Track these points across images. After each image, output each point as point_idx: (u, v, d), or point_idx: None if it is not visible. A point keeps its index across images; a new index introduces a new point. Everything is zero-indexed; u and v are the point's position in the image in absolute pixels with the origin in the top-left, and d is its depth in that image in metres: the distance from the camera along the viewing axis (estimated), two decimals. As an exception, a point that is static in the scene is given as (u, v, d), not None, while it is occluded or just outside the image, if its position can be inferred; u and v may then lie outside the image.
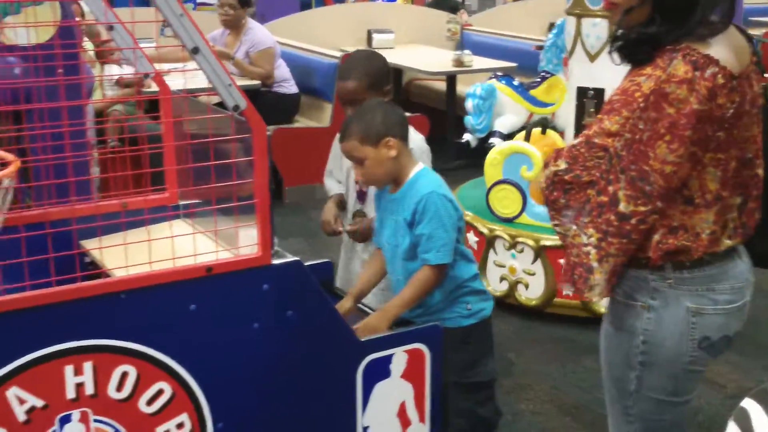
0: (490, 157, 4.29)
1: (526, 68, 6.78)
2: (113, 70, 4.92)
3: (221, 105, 2.08)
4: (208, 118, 2.10)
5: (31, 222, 2.23)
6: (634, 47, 1.92)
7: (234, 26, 6.02)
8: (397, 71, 7.06)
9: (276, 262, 2.15)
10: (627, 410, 2.14)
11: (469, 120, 4.60)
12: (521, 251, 4.13)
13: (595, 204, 1.90)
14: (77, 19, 3.68)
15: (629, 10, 1.92)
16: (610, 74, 4.13)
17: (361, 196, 2.90)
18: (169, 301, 2.03)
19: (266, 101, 5.61)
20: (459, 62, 6.40)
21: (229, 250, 2.17)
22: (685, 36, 1.84)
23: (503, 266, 4.20)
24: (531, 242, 4.10)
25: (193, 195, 2.55)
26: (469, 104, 4.60)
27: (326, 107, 6.09)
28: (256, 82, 5.80)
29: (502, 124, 4.56)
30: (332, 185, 3.04)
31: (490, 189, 4.28)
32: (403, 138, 2.50)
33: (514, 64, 6.68)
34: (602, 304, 4.04)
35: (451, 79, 6.59)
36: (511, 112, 4.63)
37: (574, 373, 3.77)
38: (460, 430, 2.63)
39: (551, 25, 8.21)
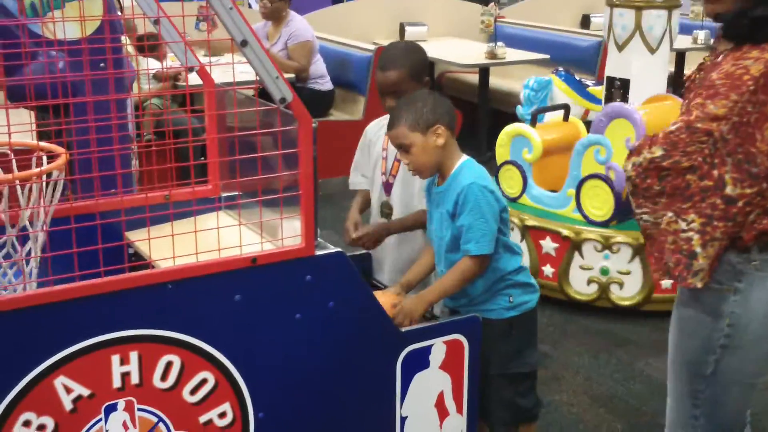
0: (500, 138, 4.43)
1: (559, 60, 6.75)
2: (150, 64, 4.96)
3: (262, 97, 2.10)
4: (255, 110, 2.12)
5: (79, 213, 2.26)
6: (748, 29, 1.93)
7: (274, 18, 6.01)
8: (430, 64, 7.06)
9: (319, 253, 2.17)
10: (696, 394, 2.17)
11: (519, 109, 4.76)
12: (617, 251, 4.10)
13: (697, 189, 1.94)
14: (118, 13, 3.71)
15: None
16: (637, 63, 4.23)
17: (387, 188, 2.90)
18: (214, 291, 2.06)
19: (300, 97, 5.59)
20: (492, 54, 6.38)
21: (272, 241, 2.19)
22: None
23: (591, 268, 4.15)
24: (631, 240, 4.07)
25: (235, 187, 2.58)
26: (522, 95, 4.77)
27: (359, 100, 6.10)
28: (291, 75, 5.79)
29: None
30: (357, 180, 3.04)
31: (498, 168, 4.40)
32: (451, 128, 2.51)
33: (547, 56, 6.65)
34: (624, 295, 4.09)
35: (484, 71, 6.57)
36: None
37: (608, 364, 3.77)
38: (503, 420, 2.63)
39: (584, 17, 8.22)
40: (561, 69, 5.25)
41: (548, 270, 4.21)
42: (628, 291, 4.11)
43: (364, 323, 2.28)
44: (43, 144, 2.17)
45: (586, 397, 3.52)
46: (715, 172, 1.92)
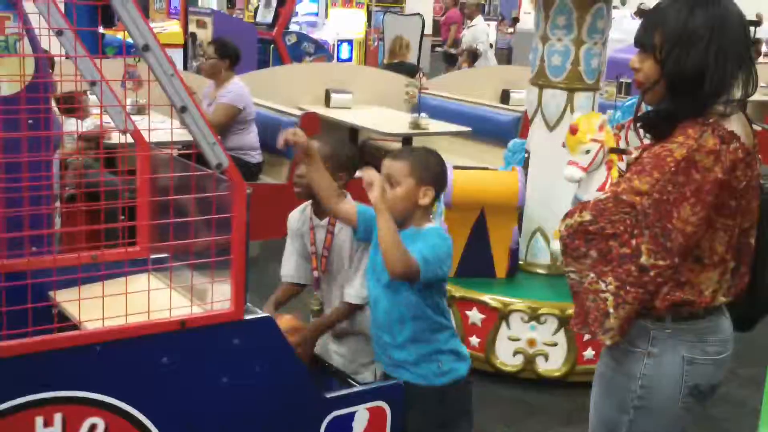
0: None
1: (480, 133, 6.97)
2: (73, 124, 4.94)
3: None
4: (191, 175, 2.16)
5: (8, 271, 2.25)
6: (655, 123, 2.14)
7: (214, 77, 6.00)
8: (354, 131, 7.19)
9: (248, 317, 2.20)
10: None
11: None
12: (544, 322, 4.16)
13: (617, 255, 2.08)
14: (50, 71, 3.72)
15: (647, 90, 2.15)
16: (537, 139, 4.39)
17: (317, 283, 2.97)
18: (142, 354, 2.07)
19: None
20: (416, 125, 6.53)
21: (201, 305, 2.22)
22: (698, 112, 2.07)
23: (518, 339, 4.21)
24: (557, 312, 4.14)
25: (164, 250, 2.60)
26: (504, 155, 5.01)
27: (285, 164, 6.16)
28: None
29: None
30: (287, 272, 3.05)
31: None
32: (437, 198, 2.61)
33: (468, 128, 6.84)
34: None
35: (407, 140, 6.71)
36: None
37: (523, 432, 3.84)
38: None
39: (504, 92, 8.49)
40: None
41: (474, 341, 4.24)
42: (553, 363, 4.20)
43: (290, 388, 2.31)
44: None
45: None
46: (634, 242, 2.06)
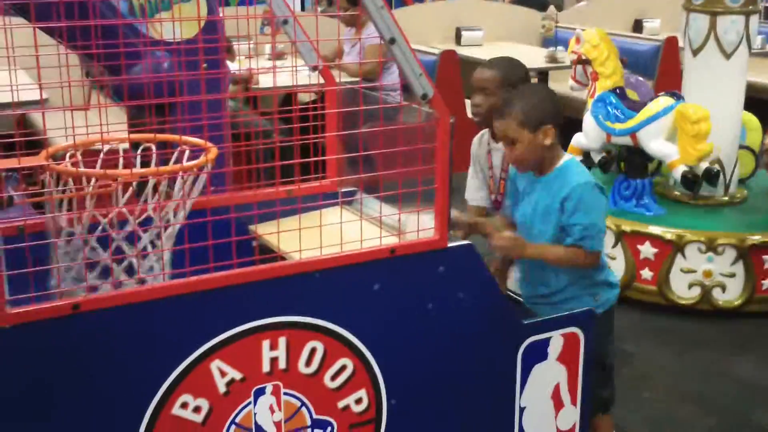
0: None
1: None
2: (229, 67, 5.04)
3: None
4: (400, 105, 2.19)
5: (214, 206, 2.34)
6: None
7: (353, 23, 6.06)
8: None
9: (451, 245, 2.23)
10: None
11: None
12: (722, 253, 4.13)
13: None
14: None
15: None
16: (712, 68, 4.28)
17: (497, 205, 3.00)
18: (356, 280, 2.14)
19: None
20: (552, 58, 6.44)
21: (396, 235, 2.26)
22: None
23: (693, 271, 4.19)
24: (735, 242, 4.11)
25: (350, 183, 2.66)
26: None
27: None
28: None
29: None
30: (472, 196, 3.10)
31: None
32: (559, 127, 2.57)
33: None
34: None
35: (543, 75, 6.62)
36: None
37: (693, 362, 3.81)
38: None
39: (636, 22, 8.26)
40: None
41: (646, 274, 4.22)
42: (730, 294, 4.15)
43: (490, 315, 2.35)
44: (186, 138, 2.24)
45: (674, 394, 3.56)
46: None
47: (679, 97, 4.25)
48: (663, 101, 4.23)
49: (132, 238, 2.13)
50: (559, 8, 8.83)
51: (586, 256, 2.54)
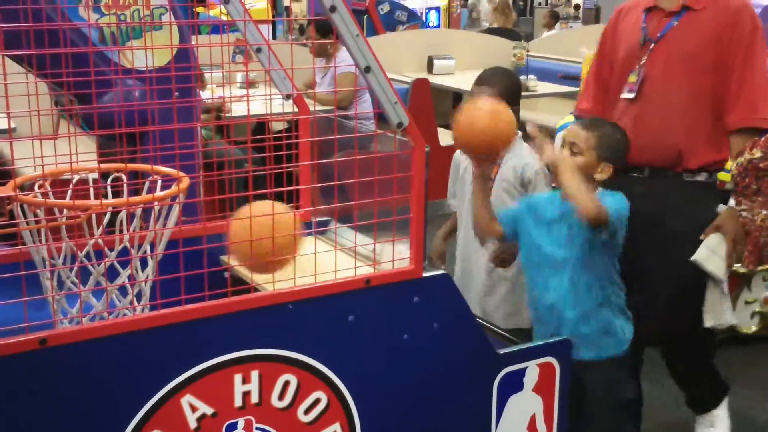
0: None
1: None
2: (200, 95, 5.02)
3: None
4: (374, 134, 2.18)
5: (186, 237, 2.30)
6: None
7: (323, 54, 6.04)
8: (458, 95, 7.16)
9: (427, 275, 2.21)
10: None
11: None
12: None
13: None
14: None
15: None
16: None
17: None
18: (331, 312, 2.10)
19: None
20: (524, 87, 6.46)
21: (371, 265, 2.24)
22: None
23: (755, 301, 4.16)
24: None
25: (324, 213, 2.64)
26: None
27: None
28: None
29: None
30: (454, 202, 3.17)
31: None
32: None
33: (576, 89, 6.73)
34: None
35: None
36: None
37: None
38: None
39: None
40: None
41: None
42: None
43: (466, 345, 2.32)
44: (157, 168, 2.21)
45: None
46: None
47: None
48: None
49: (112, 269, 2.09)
50: (529, 38, 8.92)
51: (602, 206, 2.43)
